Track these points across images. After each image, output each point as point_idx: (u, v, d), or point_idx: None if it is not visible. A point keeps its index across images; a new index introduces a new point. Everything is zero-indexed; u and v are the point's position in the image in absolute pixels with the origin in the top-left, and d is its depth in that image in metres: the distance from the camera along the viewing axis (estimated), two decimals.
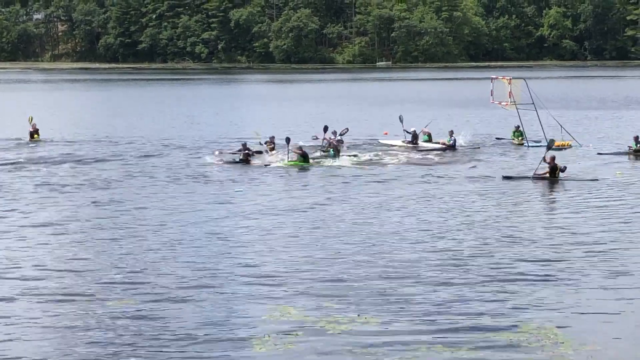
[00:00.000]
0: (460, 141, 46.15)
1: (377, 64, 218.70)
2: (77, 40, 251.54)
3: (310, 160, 38.99)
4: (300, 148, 39.01)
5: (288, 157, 38.39)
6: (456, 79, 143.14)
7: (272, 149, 41.42)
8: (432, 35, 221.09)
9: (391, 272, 20.22)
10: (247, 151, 39.82)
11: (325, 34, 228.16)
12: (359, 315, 17.10)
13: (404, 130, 46.72)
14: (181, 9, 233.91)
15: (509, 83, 47.93)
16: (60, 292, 18.75)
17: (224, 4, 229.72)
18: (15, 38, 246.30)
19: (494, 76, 51.01)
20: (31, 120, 49.20)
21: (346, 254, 22.00)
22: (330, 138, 43.10)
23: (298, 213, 27.57)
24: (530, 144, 46.67)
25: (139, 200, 30.17)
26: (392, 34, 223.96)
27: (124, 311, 17.38)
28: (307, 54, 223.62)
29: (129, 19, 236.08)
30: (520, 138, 48.08)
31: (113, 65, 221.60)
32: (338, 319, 16.90)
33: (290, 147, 38.55)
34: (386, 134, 49.52)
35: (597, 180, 34.20)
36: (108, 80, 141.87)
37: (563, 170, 34.08)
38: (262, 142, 41.75)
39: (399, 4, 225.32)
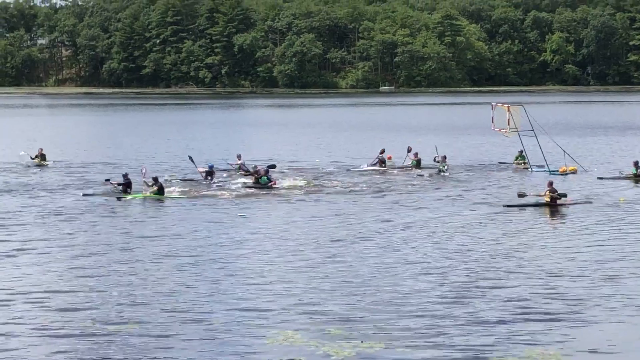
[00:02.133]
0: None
1: (381, 88, 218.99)
2: (81, 65, 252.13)
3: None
4: (155, 179, 37.54)
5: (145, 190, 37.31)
6: (459, 103, 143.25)
7: (208, 176, 42.02)
8: (435, 60, 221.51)
9: (394, 299, 20.22)
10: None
11: (328, 58, 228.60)
12: (362, 342, 17.12)
13: (377, 157, 47.55)
14: (185, 34, 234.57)
15: (508, 110, 48.06)
16: (65, 317, 18.78)
17: (227, 29, 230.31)
18: (19, 63, 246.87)
19: (494, 103, 51.15)
20: (41, 152, 49.40)
21: (350, 280, 22.03)
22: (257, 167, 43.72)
23: (302, 239, 27.58)
24: (534, 169, 46.78)
25: (141, 225, 30.20)
26: (395, 59, 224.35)
27: (127, 336, 17.40)
28: (311, 79, 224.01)
29: (133, 44, 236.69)
30: (524, 163, 48.22)
31: (117, 90, 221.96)
32: (341, 344, 16.92)
33: (145, 179, 37.70)
34: (390, 158, 49.62)
35: (591, 202, 34.60)
36: (112, 105, 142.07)
37: (561, 197, 34.11)
38: (199, 170, 42.99)
39: (402, 29, 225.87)
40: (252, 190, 38.60)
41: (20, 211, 33.03)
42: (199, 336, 17.47)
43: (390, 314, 18.92)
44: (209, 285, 21.47)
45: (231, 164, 45.88)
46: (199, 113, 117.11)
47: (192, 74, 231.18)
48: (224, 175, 43.88)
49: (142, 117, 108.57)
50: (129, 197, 36.60)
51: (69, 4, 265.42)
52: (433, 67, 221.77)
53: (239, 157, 46.34)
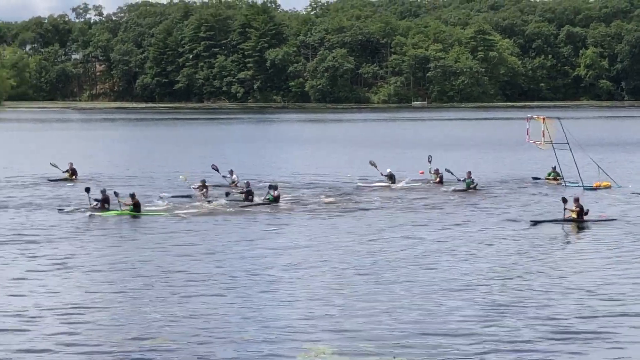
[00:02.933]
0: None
1: (413, 103, 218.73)
2: (114, 80, 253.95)
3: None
4: (132, 195, 36.52)
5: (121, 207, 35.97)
6: (492, 118, 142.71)
7: (204, 192, 41.37)
8: (468, 75, 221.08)
9: (426, 316, 19.96)
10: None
11: (360, 73, 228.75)
12: (394, 357, 16.90)
13: (381, 173, 46.87)
14: (217, 49, 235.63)
15: (543, 122, 47.67)
16: (95, 333, 18.70)
17: (260, 44, 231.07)
18: (53, 78, 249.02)
19: (529, 115, 50.74)
20: (71, 166, 49.42)
21: (382, 296, 21.79)
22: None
23: (333, 255, 27.37)
24: (568, 184, 46.34)
25: (170, 241, 30.12)
26: (427, 74, 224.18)
27: (157, 352, 17.29)
28: (343, 94, 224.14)
29: (166, 59, 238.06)
30: (556, 178, 47.79)
31: (150, 104, 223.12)
32: (372, 357, 16.71)
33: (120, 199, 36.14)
34: (422, 173, 49.37)
35: (615, 219, 34.15)
36: (144, 120, 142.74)
37: (587, 212, 33.70)
38: (193, 186, 42.51)
39: (435, 44, 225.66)
40: (264, 208, 37.91)
41: (52, 226, 33.00)
42: (229, 352, 17.33)
43: (421, 331, 18.69)
44: (239, 300, 21.31)
45: (225, 177, 45.53)
46: (230, 128, 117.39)
47: (224, 88, 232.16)
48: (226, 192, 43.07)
49: (173, 131, 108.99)
50: (104, 214, 35.49)
51: (103, 19, 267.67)
52: (466, 82, 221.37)
53: (231, 172, 45.98)
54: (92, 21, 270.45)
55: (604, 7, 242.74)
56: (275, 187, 39.38)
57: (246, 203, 38.34)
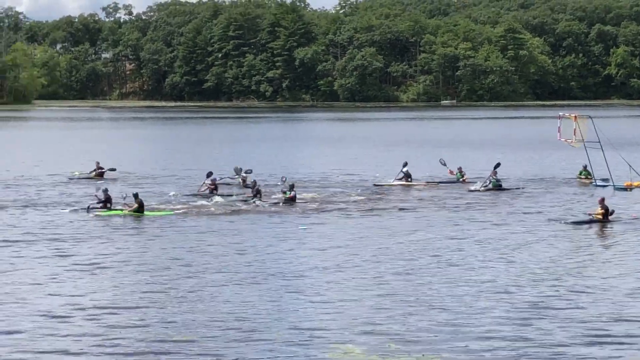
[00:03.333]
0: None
1: (442, 102, 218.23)
2: (144, 79, 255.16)
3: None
4: (136, 195, 35.63)
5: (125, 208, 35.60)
6: (522, 117, 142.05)
7: (214, 191, 40.91)
8: (498, 73, 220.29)
9: (456, 316, 19.77)
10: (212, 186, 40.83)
11: (389, 72, 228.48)
12: (423, 355, 16.77)
13: (401, 171, 46.45)
14: (246, 48, 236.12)
15: (575, 120, 47.30)
16: (123, 332, 18.68)
17: (288, 43, 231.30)
18: (84, 77, 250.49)
19: (561, 113, 50.37)
20: (98, 165, 49.45)
21: (411, 295, 21.65)
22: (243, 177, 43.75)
23: (361, 254, 27.24)
24: (598, 183, 45.95)
25: (198, 239, 30.09)
26: (457, 73, 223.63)
27: (186, 352, 17.23)
28: (372, 92, 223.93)
29: (195, 58, 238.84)
30: (588, 177, 47.42)
31: (179, 103, 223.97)
32: (401, 358, 16.58)
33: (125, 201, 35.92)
34: (452, 173, 49.08)
35: (638, 218, 33.82)
36: (173, 119, 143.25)
37: (612, 213, 33.30)
38: (204, 185, 41.82)
39: (464, 43, 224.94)
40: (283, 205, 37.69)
41: (83, 225, 33.07)
42: (259, 350, 17.26)
43: (452, 331, 18.52)
44: (269, 299, 21.22)
45: (231, 177, 45.32)
46: (258, 127, 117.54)
47: (253, 87, 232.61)
48: (232, 190, 42.83)
49: (201, 130, 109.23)
50: (104, 213, 35.04)
51: (133, 18, 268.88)
52: (495, 80, 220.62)
53: (247, 171, 45.66)
54: (121, 20, 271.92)
55: (635, 6, 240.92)
56: (292, 187, 38.91)
57: (259, 202, 37.98)
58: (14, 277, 23.76)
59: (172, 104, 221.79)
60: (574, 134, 47.05)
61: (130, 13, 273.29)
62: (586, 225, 32.78)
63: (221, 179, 44.20)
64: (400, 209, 37.20)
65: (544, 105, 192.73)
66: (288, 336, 18.17)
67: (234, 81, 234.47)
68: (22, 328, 18.81)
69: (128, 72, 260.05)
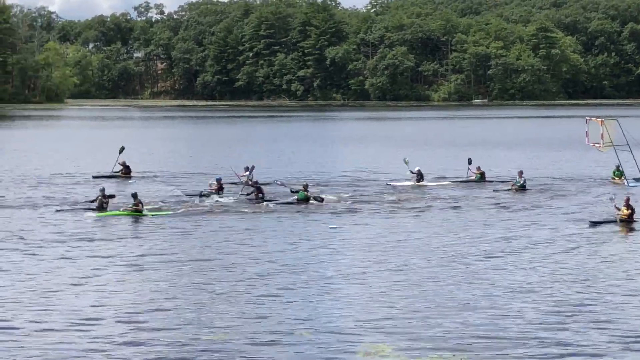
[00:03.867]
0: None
1: (473, 101, 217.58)
2: (175, 78, 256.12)
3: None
4: (134, 195, 35.52)
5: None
6: (554, 117, 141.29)
7: (220, 191, 40.59)
8: (530, 72, 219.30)
9: (487, 316, 19.70)
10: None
11: (420, 71, 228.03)
12: (454, 355, 16.67)
13: (410, 171, 46.17)
14: (278, 47, 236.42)
15: (602, 125, 46.96)
16: (155, 327, 18.71)
17: (319, 42, 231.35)
18: (116, 76, 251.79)
19: (588, 117, 50.11)
20: (122, 150, 49.35)
21: (442, 295, 21.56)
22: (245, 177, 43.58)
23: (392, 253, 27.18)
24: (630, 184, 45.59)
25: (225, 236, 30.13)
26: (488, 72, 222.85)
27: (218, 350, 17.25)
28: (403, 92, 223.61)
29: (227, 57, 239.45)
30: (621, 177, 47.07)
31: (210, 102, 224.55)
32: (434, 358, 16.49)
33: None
34: (474, 172, 48.90)
35: None
36: (204, 118, 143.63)
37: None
38: (209, 186, 41.63)
39: (496, 42, 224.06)
40: (301, 205, 37.45)
41: (114, 224, 33.21)
42: (288, 349, 17.27)
43: (482, 331, 18.42)
44: (299, 298, 21.25)
45: (238, 176, 44.80)
46: (289, 126, 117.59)
47: (284, 86, 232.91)
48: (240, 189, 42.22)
49: (231, 130, 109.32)
50: (101, 214, 34.73)
51: (164, 17, 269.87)
52: (527, 79, 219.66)
53: (246, 169, 45.51)
54: (153, 20, 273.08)
55: None
56: (306, 186, 38.65)
57: (271, 205, 37.75)
58: (47, 276, 23.88)
59: (203, 103, 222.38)
60: (602, 138, 46.74)
61: (161, 12, 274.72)
62: (611, 225, 32.46)
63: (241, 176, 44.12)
64: (426, 208, 37.14)
65: (576, 105, 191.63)
66: (318, 334, 18.17)
67: (265, 80, 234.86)
68: (55, 326, 18.91)
69: (159, 72, 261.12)
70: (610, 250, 27.98)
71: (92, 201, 35.99)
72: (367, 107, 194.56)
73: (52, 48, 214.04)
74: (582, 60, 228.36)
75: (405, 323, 19.04)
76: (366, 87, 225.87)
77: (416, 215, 35.42)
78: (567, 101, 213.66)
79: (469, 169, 47.80)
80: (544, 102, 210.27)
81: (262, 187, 39.90)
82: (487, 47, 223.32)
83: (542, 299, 21.21)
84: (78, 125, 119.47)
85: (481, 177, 47.10)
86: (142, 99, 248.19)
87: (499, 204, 38.77)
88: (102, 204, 35.47)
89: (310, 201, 37.89)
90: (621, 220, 32.76)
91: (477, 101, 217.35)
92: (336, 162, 60.42)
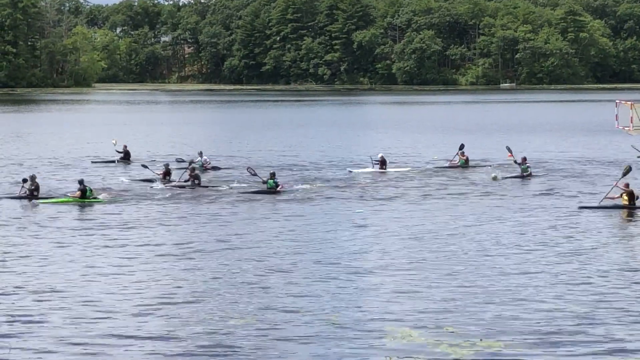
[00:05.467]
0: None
1: (501, 85, 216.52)
2: (202, 63, 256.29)
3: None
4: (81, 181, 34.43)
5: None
6: (583, 101, 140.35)
7: (167, 178, 39.61)
8: (558, 56, 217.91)
9: (514, 300, 19.70)
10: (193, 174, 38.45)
11: (448, 55, 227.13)
12: (481, 340, 16.72)
13: (371, 158, 45.12)
14: (305, 31, 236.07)
15: (631, 108, 46.67)
16: (179, 309, 18.89)
17: (347, 26, 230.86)
18: (143, 60, 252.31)
19: (617, 100, 49.77)
20: (115, 143, 49.16)
21: (468, 279, 21.59)
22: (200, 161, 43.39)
23: (417, 237, 27.22)
24: None
25: (252, 221, 30.26)
26: (516, 56, 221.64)
27: (244, 334, 17.36)
28: (430, 76, 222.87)
29: (254, 41, 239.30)
30: None
31: (238, 86, 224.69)
32: (460, 342, 16.56)
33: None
34: (510, 156, 48.68)
35: None
36: (231, 102, 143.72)
37: (638, 197, 31.68)
38: (157, 172, 40.72)
39: (524, 25, 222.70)
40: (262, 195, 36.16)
41: (122, 212, 33.34)
42: (315, 333, 17.31)
43: (509, 314, 18.43)
44: (324, 283, 21.29)
45: (194, 162, 44.03)
46: (316, 110, 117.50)
47: (311, 70, 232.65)
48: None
49: (256, 114, 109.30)
50: (40, 201, 33.89)
51: (192, 1, 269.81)
52: (555, 63, 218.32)
53: (200, 154, 45.36)
54: (180, 4, 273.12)
55: None
56: (273, 174, 37.03)
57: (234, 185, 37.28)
58: (65, 265, 24.13)
59: (231, 87, 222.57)
60: (631, 121, 46.45)
61: None
62: (607, 213, 31.44)
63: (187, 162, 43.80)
64: (450, 193, 36.99)
65: (604, 89, 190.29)
66: (345, 319, 18.21)
67: (292, 64, 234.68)
68: (78, 315, 19.04)
69: (187, 56, 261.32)
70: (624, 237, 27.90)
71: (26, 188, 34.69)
72: (394, 91, 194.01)
73: (80, 32, 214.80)
74: (611, 43, 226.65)
75: (432, 307, 19.05)
76: (393, 71, 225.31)
77: (440, 201, 35.32)
78: (596, 85, 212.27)
79: (457, 154, 46.84)
80: (572, 86, 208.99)
81: (200, 175, 38.89)
82: (515, 31, 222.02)
83: (566, 286, 21.17)
84: (106, 109, 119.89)
85: (465, 163, 46.06)
86: (169, 83, 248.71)
87: (503, 191, 37.62)
88: (30, 192, 34.56)
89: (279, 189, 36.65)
90: (621, 206, 31.54)
91: (505, 85, 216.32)
92: (368, 146, 60.28)
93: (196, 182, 38.03)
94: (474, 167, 46.02)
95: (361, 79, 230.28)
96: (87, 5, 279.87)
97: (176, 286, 20.90)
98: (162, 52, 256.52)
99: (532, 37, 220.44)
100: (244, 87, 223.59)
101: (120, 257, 24.06)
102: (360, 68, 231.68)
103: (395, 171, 44.28)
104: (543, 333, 17.20)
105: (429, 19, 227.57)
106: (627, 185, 32.04)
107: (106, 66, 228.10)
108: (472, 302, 19.36)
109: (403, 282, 21.22)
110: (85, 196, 33.77)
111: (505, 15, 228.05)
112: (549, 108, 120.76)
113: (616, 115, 48.16)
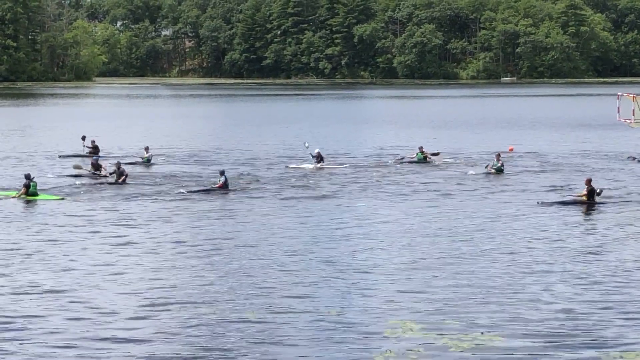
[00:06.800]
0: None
1: (502, 79, 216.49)
2: (203, 57, 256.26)
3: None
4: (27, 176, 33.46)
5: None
6: (583, 95, 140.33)
7: (98, 172, 38.84)
8: (559, 50, 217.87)
9: (515, 293, 19.70)
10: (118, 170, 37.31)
11: (449, 49, 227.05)
12: (482, 333, 16.72)
13: (309, 154, 44.02)
14: (305, 25, 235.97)
15: (633, 100, 46.59)
16: (185, 305, 18.89)
17: (347, 19, 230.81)
18: (144, 54, 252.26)
19: (620, 93, 49.71)
20: (93, 144, 48.28)
21: (470, 273, 21.58)
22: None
23: (415, 231, 27.22)
24: None
25: (260, 216, 30.25)
26: (517, 49, 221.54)
27: (246, 328, 17.35)
28: (431, 70, 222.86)
29: (254, 35, 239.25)
30: None
31: (238, 80, 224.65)
32: (461, 336, 16.54)
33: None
34: (511, 149, 48.74)
35: (631, 201, 32.50)
36: (232, 96, 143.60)
37: (599, 193, 31.84)
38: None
39: (525, 19, 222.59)
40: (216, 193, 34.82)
41: (127, 210, 33.35)
42: (318, 326, 17.30)
43: (510, 307, 18.42)
44: (327, 276, 21.26)
45: (140, 157, 44.27)
46: (316, 105, 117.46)
47: (312, 64, 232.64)
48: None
49: (256, 108, 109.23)
50: None
51: None
52: (556, 57, 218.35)
53: (146, 149, 45.01)
54: None
55: None
56: (222, 172, 35.88)
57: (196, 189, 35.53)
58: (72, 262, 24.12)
59: (231, 81, 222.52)
60: (633, 114, 46.36)
61: None
62: (567, 208, 31.24)
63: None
64: (449, 190, 36.92)
65: (605, 82, 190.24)
66: (345, 312, 18.21)
67: (293, 58, 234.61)
68: (83, 316, 19.09)
69: (187, 50, 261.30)
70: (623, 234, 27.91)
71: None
72: (395, 85, 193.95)
73: (81, 26, 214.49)
74: (612, 37, 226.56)
75: (433, 301, 19.03)
76: (394, 65, 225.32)
77: (442, 194, 35.27)
78: (597, 79, 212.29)
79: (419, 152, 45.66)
80: (573, 80, 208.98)
81: (126, 170, 37.85)
82: (516, 25, 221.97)
83: (567, 281, 21.18)
84: (107, 103, 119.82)
85: (424, 159, 45.04)
86: (170, 77, 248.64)
87: (480, 187, 36.86)
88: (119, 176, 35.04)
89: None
90: (579, 202, 31.55)
91: (505, 79, 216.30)
92: (371, 142, 60.27)
93: (119, 178, 36.64)
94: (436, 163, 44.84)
95: (362, 73, 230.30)
96: None
97: (170, 285, 20.87)
98: (163, 46, 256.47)
99: (533, 31, 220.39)
100: (245, 81, 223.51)
101: (99, 254, 24.02)
102: (361, 62, 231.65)
103: (333, 167, 43.25)
104: (545, 327, 17.20)
105: (430, 12, 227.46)
106: (589, 181, 32.06)
107: (107, 60, 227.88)
108: (475, 297, 19.34)
109: (405, 276, 21.17)
110: (28, 192, 32.66)
111: (506, 9, 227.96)
112: (549, 102, 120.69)
113: (618, 107, 48.03)
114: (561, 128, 69.04)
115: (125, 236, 25.98)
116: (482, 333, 16.75)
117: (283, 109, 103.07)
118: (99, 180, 37.58)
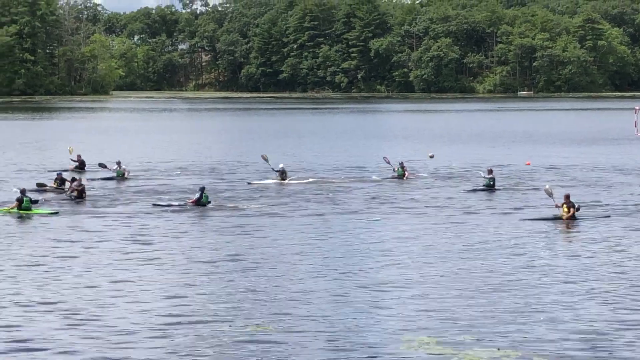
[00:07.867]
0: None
1: (519, 93, 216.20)
2: (220, 70, 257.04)
3: None
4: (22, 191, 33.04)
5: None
6: (601, 109, 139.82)
7: (63, 186, 38.31)
8: (576, 64, 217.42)
9: (531, 308, 19.44)
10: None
11: (465, 63, 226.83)
12: (498, 349, 16.46)
13: (272, 169, 43.20)
14: (322, 39, 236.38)
15: None
16: (196, 319, 18.68)
17: (364, 33, 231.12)
18: (160, 68, 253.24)
19: (637, 107, 49.47)
20: (71, 151, 48.20)
21: (485, 287, 21.34)
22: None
23: (431, 246, 26.97)
24: None
25: (271, 230, 30.06)
26: (534, 63, 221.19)
27: (259, 340, 17.18)
28: (447, 84, 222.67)
29: (271, 49, 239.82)
30: None
31: (255, 94, 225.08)
32: (477, 352, 16.29)
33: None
34: (528, 164, 48.43)
35: (609, 217, 31.92)
36: (247, 110, 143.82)
37: (578, 209, 31.15)
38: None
39: (542, 33, 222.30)
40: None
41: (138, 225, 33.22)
42: (332, 339, 17.12)
43: (527, 324, 18.14)
44: (342, 290, 21.05)
45: (111, 170, 43.79)
46: (332, 119, 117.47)
47: (328, 78, 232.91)
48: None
49: (271, 122, 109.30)
50: None
51: (209, 9, 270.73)
52: (573, 71, 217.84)
53: (118, 163, 44.27)
54: (198, 12, 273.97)
55: None
56: (202, 189, 34.82)
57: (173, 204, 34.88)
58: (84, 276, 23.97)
59: (248, 95, 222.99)
60: None
61: (206, 4, 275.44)
62: (549, 224, 30.71)
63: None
64: (462, 205, 36.64)
65: (623, 97, 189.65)
66: (361, 326, 18.00)
67: (309, 72, 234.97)
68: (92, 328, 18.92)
69: (204, 63, 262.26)
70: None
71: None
72: (412, 99, 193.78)
73: (98, 40, 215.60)
74: (630, 51, 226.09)
75: (449, 316, 18.80)
76: (410, 79, 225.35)
77: (455, 209, 35.00)
78: (614, 93, 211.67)
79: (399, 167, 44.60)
80: (591, 94, 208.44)
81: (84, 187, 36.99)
82: (533, 39, 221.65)
83: (584, 291, 20.91)
84: (123, 117, 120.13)
85: (403, 174, 43.86)
86: (186, 90, 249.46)
87: (496, 204, 36.17)
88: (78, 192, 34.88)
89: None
90: (559, 218, 31.04)
91: (522, 93, 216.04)
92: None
93: (80, 194, 35.94)
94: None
95: (378, 86, 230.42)
96: (105, 13, 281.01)
97: (176, 300, 20.71)
98: (180, 60, 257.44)
99: (550, 45, 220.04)
100: (261, 95, 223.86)
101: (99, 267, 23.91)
102: (377, 76, 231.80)
103: (297, 182, 42.20)
104: (562, 346, 16.91)
105: (447, 26, 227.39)
106: (567, 196, 31.49)
107: (124, 74, 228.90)
108: (491, 312, 19.08)
109: (420, 290, 20.97)
110: (21, 207, 32.29)
111: (523, 23, 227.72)
112: (566, 116, 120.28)
113: (635, 122, 47.75)
114: (578, 142, 68.65)
115: (131, 252, 25.88)
116: (498, 349, 16.50)
117: (297, 123, 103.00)
118: (62, 196, 36.79)
